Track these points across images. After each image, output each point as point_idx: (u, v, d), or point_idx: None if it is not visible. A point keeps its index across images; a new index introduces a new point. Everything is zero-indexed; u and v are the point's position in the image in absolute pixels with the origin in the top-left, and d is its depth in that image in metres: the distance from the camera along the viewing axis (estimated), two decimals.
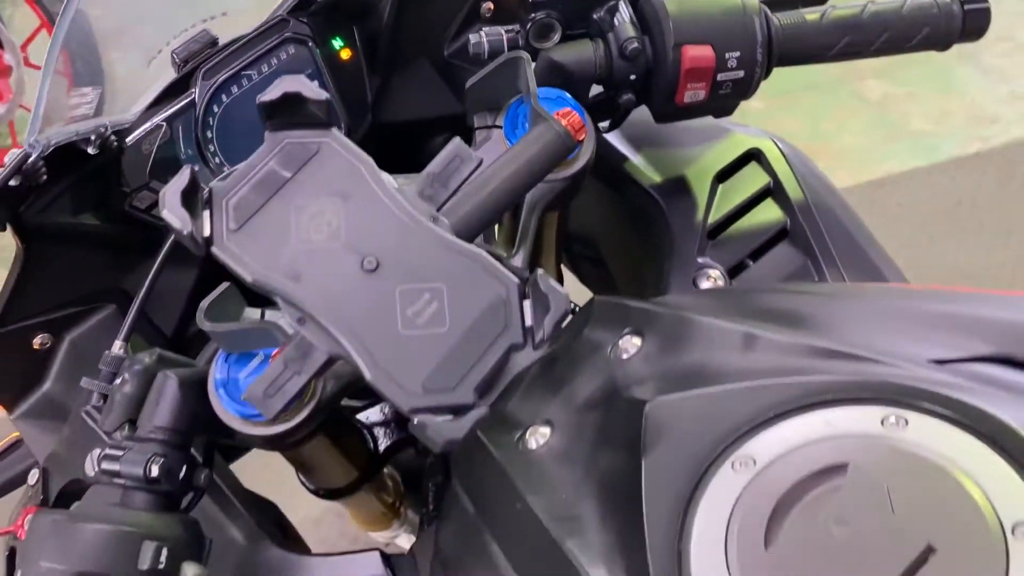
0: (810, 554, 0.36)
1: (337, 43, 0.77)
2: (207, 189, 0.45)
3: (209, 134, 0.74)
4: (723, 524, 0.38)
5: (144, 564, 0.49)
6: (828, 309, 0.51)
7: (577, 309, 0.58)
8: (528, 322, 0.45)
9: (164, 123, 0.73)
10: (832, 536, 0.36)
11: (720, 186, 0.76)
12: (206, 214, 0.45)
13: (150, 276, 0.62)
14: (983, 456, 0.36)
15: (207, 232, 0.44)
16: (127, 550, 0.49)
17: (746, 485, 0.39)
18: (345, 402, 0.81)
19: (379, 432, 0.88)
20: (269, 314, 0.52)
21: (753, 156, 0.77)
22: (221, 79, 0.74)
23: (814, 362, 0.43)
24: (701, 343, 0.49)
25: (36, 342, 0.74)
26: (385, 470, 0.96)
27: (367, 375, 0.43)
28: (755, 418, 0.41)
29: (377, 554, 0.62)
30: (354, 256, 0.44)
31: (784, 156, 0.77)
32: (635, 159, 0.78)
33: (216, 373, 0.55)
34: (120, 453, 0.53)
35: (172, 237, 0.68)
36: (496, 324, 0.44)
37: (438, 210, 0.47)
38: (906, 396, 0.39)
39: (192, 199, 0.45)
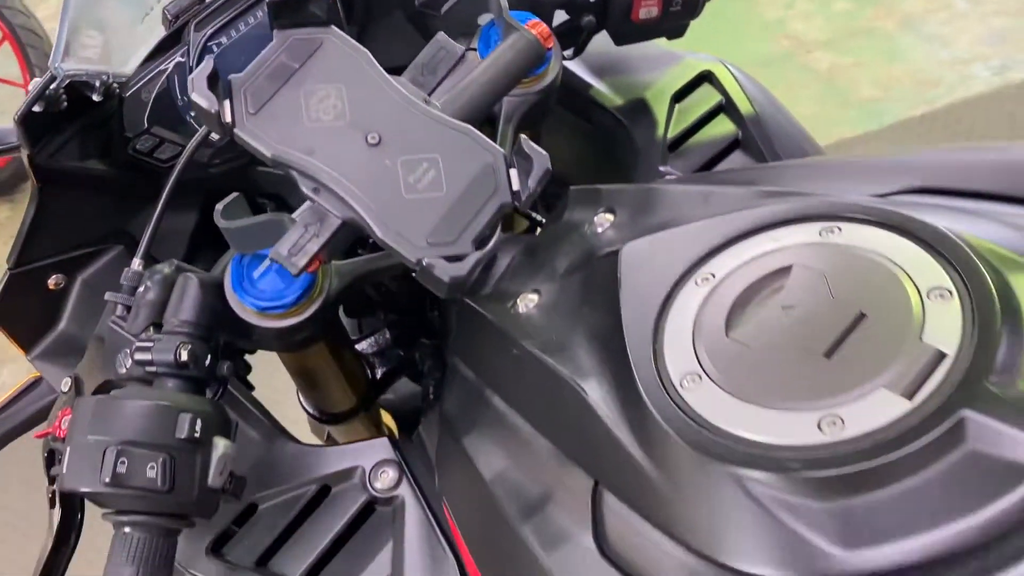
0: (764, 332, 0.43)
1: None
2: (227, 80, 0.51)
3: None
4: (690, 324, 0.45)
5: (181, 433, 0.54)
6: (775, 171, 0.58)
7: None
8: (515, 186, 0.51)
9: (161, 72, 0.78)
10: (782, 317, 0.43)
11: (677, 105, 0.83)
12: (227, 103, 0.51)
13: (162, 198, 0.68)
14: (901, 245, 0.43)
15: (228, 118, 0.50)
16: (165, 421, 0.54)
17: (708, 293, 0.46)
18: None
19: (375, 362, 0.94)
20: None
21: (705, 77, 0.84)
22: (210, 31, 0.79)
23: (763, 200, 0.50)
24: (666, 205, 0.56)
25: (51, 282, 0.79)
26: (381, 413, 1.02)
27: (378, 233, 0.49)
28: (713, 244, 0.48)
29: (386, 439, 0.68)
30: (359, 133, 0.50)
31: (734, 76, 0.84)
32: (599, 86, 0.85)
33: (231, 274, 0.61)
34: (151, 344, 0.58)
35: (176, 173, 0.74)
36: (487, 187, 0.50)
37: (429, 95, 0.53)
38: (839, 211, 0.46)
39: (214, 85, 0.51)
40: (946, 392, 0.37)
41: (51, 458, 0.64)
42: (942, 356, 0.39)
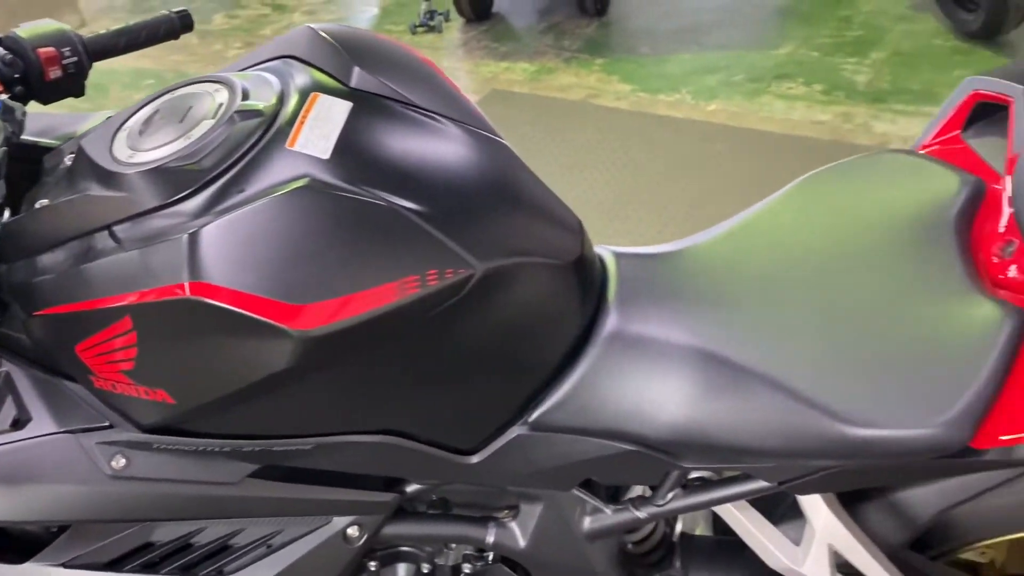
0: (149, 128, 0.96)
1: None
2: None
3: None
4: (125, 138, 0.96)
5: None
6: None
7: None
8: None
9: None
10: (160, 122, 0.97)
11: None
12: None
13: None
14: (215, 84, 1.01)
15: None
16: None
17: (128, 131, 0.98)
18: None
19: None
20: None
21: None
22: None
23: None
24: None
25: None
26: None
27: None
28: (129, 114, 1.00)
29: None
30: None
31: None
32: None
33: None
34: None
35: None
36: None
37: None
38: (184, 82, 1.03)
39: None
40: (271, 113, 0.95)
41: None
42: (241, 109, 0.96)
